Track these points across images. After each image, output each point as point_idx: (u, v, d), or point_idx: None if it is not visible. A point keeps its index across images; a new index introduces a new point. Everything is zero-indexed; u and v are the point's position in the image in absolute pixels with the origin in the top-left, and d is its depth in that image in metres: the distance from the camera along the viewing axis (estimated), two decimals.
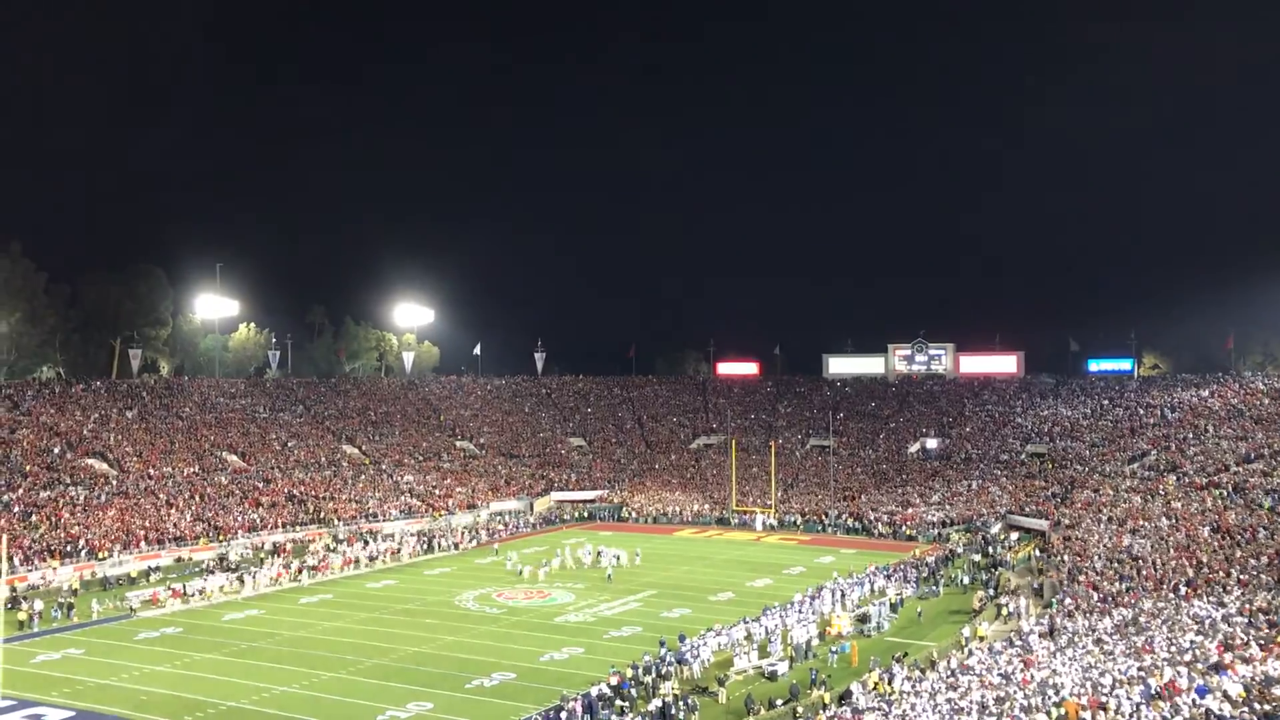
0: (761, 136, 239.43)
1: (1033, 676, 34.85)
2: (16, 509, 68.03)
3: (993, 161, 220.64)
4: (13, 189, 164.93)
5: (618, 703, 38.23)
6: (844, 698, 37.66)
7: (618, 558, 69.00)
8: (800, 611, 51.62)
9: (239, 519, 75.97)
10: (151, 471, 79.70)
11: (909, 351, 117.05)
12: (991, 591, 57.77)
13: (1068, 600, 50.00)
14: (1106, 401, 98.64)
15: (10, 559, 52.89)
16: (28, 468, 73.98)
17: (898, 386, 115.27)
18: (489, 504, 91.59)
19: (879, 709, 34.43)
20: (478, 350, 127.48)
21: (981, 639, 46.65)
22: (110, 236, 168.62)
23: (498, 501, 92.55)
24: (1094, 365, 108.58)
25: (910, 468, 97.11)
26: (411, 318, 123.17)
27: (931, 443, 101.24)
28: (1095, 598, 49.04)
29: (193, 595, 59.23)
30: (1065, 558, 59.94)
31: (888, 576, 60.37)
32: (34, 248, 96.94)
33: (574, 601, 58.53)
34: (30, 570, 61.07)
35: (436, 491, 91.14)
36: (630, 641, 49.24)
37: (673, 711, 37.31)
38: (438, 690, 41.71)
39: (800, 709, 37.23)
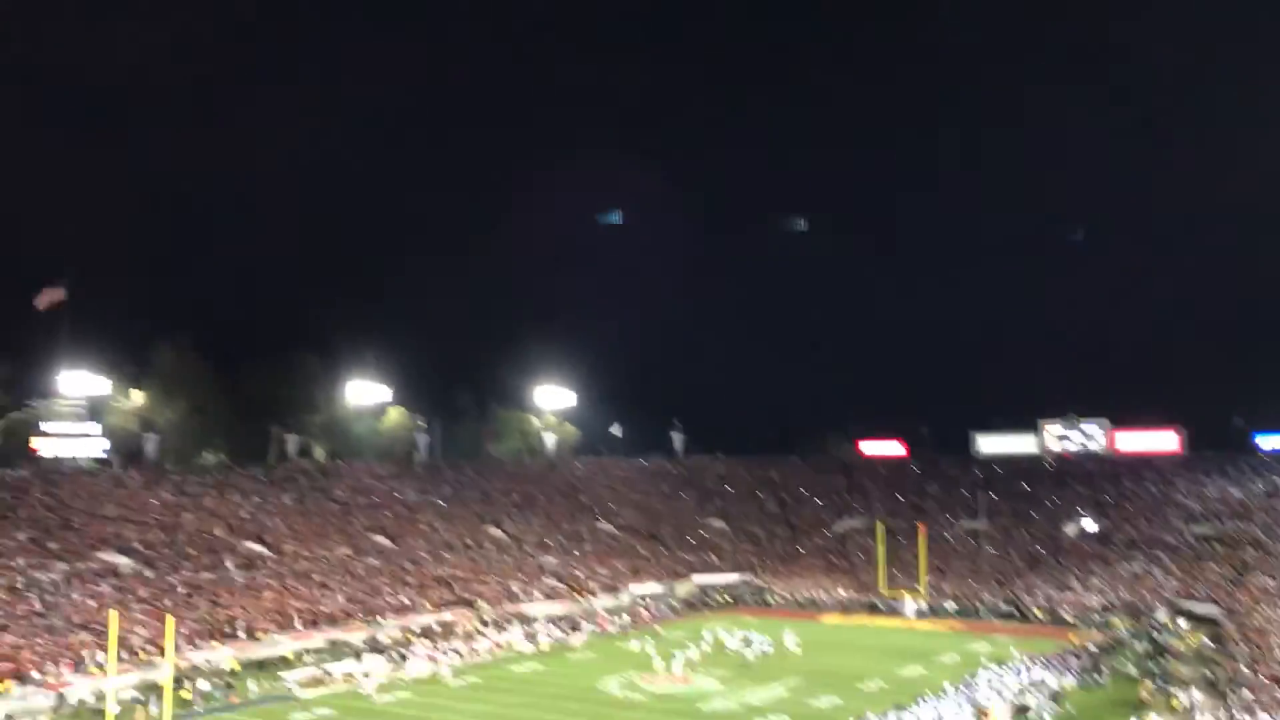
0: (897, 207, 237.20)
1: None
2: (180, 590, 70.83)
3: (1143, 230, 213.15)
4: (183, 284, 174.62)
5: None
6: None
7: (765, 643, 67.77)
8: (956, 702, 49.61)
9: (388, 601, 77.44)
10: (306, 554, 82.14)
11: (1062, 429, 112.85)
12: (1160, 682, 54.50)
13: (1246, 693, 46.84)
14: (1279, 479, 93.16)
15: (174, 640, 54.95)
16: (190, 551, 77.13)
17: (1051, 465, 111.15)
18: (630, 586, 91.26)
19: None
20: (616, 430, 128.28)
21: None
22: (269, 325, 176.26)
23: (639, 584, 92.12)
24: (1263, 441, 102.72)
25: (1068, 550, 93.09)
26: (553, 399, 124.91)
27: (1089, 524, 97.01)
28: (1279, 691, 45.82)
29: (350, 676, 60.44)
30: (1242, 647, 56.28)
31: (1047, 665, 57.64)
32: (200, 340, 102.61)
33: (718, 689, 57.52)
34: (193, 650, 63.23)
35: (579, 574, 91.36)
36: None
37: None
38: None
39: None
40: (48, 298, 79.28)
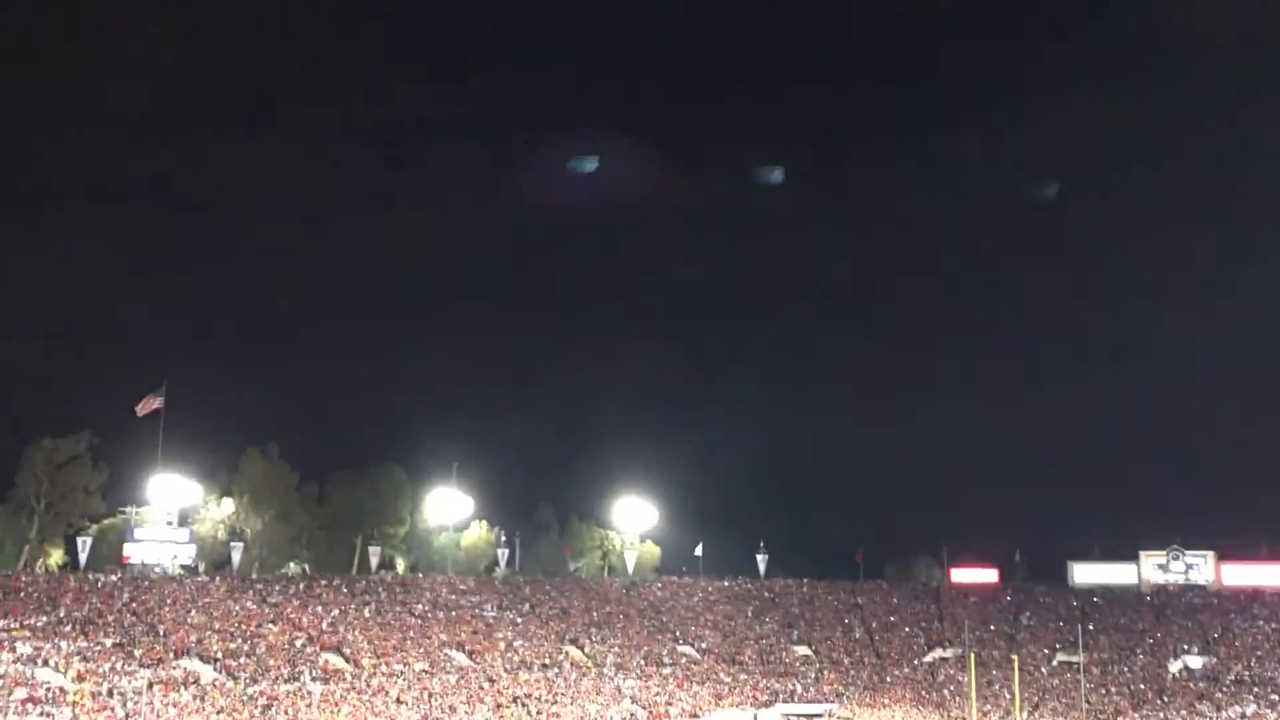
0: (981, 330, 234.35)
1: None
2: (260, 701, 70.63)
3: (1250, 347, 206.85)
4: (272, 393, 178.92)
5: None
6: None
7: None
8: None
9: (465, 719, 76.24)
10: (384, 668, 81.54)
11: (1164, 559, 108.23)
12: None
13: None
14: None
15: None
16: (270, 661, 77.11)
17: (1153, 597, 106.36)
18: (711, 713, 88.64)
19: None
20: (699, 551, 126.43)
21: None
22: (356, 437, 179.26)
23: (720, 711, 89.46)
24: None
25: (1173, 689, 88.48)
26: (634, 516, 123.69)
27: (1195, 661, 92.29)
28: None
29: None
30: None
31: None
32: (288, 449, 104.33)
33: None
34: None
35: (659, 698, 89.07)
36: None
37: None
38: None
39: None
40: (146, 405, 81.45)
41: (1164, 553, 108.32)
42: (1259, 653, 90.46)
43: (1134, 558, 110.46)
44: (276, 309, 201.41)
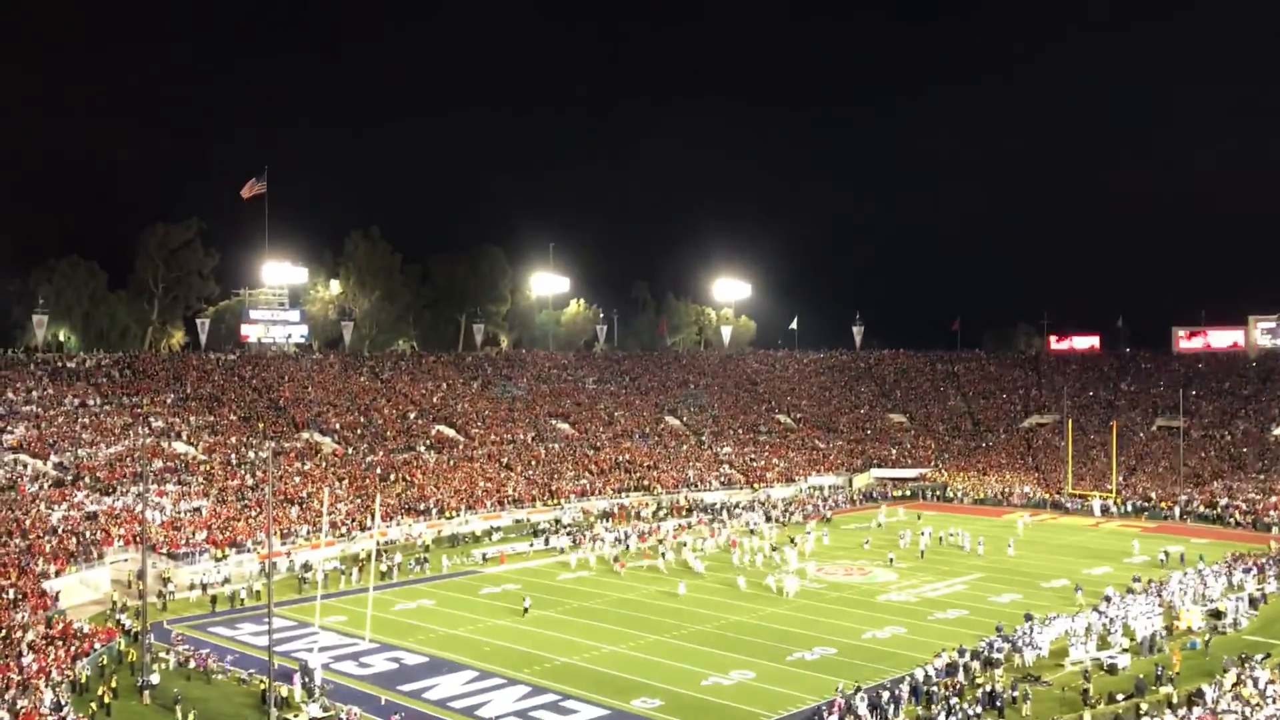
0: (1085, 95, 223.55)
1: None
2: (378, 469, 74.78)
3: None
4: (372, 179, 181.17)
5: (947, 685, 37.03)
6: (1194, 697, 34.66)
7: (951, 536, 67.82)
8: (1144, 603, 47.99)
9: (571, 484, 79.88)
10: (492, 438, 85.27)
11: (1273, 324, 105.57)
12: None
13: None
14: None
15: (374, 515, 58.21)
16: (388, 433, 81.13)
17: (1259, 363, 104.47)
18: (807, 478, 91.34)
19: (1236, 712, 31.42)
20: (794, 325, 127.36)
21: None
22: (456, 219, 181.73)
23: (816, 476, 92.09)
24: None
25: (1274, 453, 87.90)
26: (730, 292, 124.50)
27: None
28: None
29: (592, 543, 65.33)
30: None
31: (1246, 570, 54.99)
32: (390, 231, 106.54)
33: (895, 580, 57.32)
34: (389, 526, 66.88)
35: (755, 464, 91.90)
36: (956, 624, 47.62)
37: (1003, 699, 35.78)
38: (759, 660, 42.07)
39: (1144, 705, 34.60)
40: (250, 189, 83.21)
41: (1274, 318, 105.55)
42: None
43: (1242, 322, 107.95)
44: (374, 93, 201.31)
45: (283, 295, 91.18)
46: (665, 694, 37.95)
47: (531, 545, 66.73)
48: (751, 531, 70.35)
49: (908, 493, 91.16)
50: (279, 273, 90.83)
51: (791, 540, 64.57)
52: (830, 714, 34.13)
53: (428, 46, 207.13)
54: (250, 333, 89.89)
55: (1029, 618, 45.21)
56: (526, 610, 49.26)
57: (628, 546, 65.37)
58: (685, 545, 65.26)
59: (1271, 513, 73.82)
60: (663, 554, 62.08)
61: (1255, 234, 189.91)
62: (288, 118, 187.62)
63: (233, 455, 71.30)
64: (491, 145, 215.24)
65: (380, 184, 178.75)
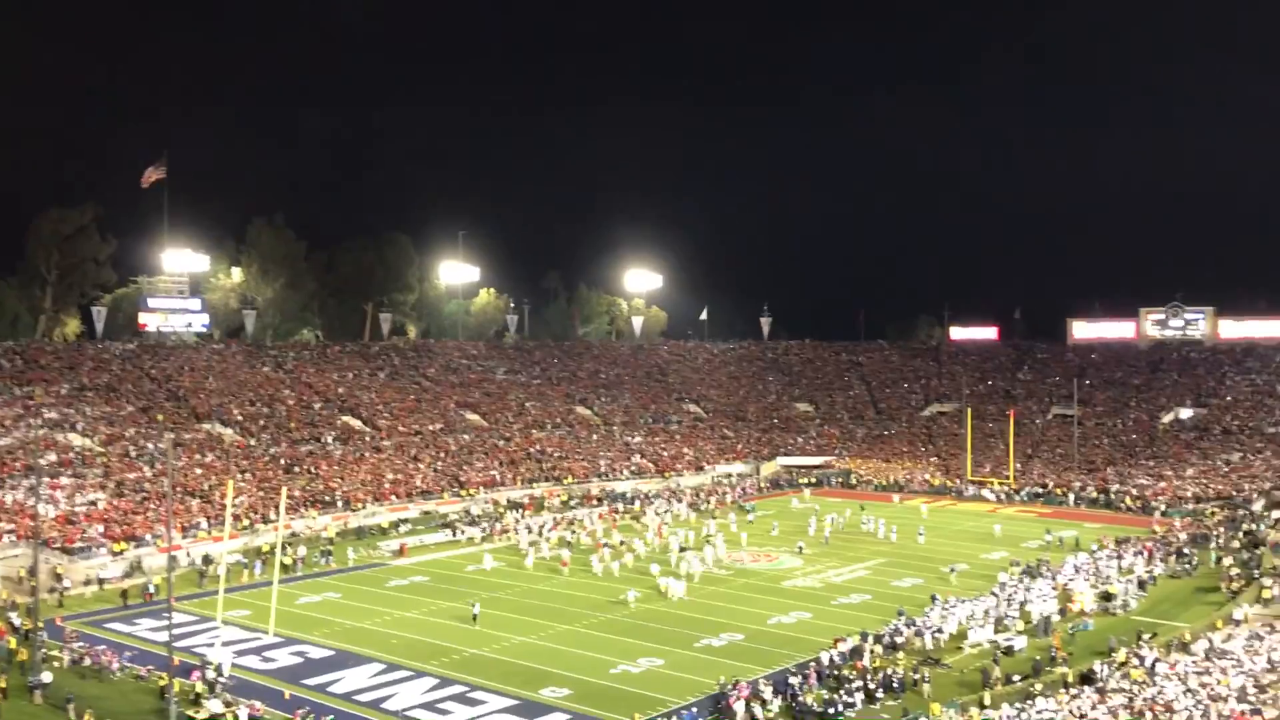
0: (989, 93, 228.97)
1: None
2: (281, 461, 73.52)
3: (1253, 105, 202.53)
4: (275, 165, 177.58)
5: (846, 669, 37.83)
6: (1086, 677, 35.97)
7: (856, 521, 69.10)
8: (1040, 586, 49.59)
9: (480, 475, 79.48)
10: (400, 428, 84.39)
11: (1163, 315, 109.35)
12: (1254, 572, 53.58)
13: None
14: None
15: (277, 508, 57.29)
16: (292, 424, 79.78)
17: (1149, 353, 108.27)
18: (716, 466, 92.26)
19: (1126, 691, 32.69)
20: (704, 315, 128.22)
21: (1239, 622, 43.56)
22: (363, 207, 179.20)
23: (724, 464, 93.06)
24: None
25: (1163, 440, 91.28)
26: (641, 283, 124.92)
27: (1187, 413, 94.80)
28: None
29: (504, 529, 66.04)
30: None
31: (1136, 553, 57.12)
32: (295, 218, 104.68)
33: (801, 566, 58.27)
34: (293, 519, 65.80)
35: (665, 453, 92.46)
36: (860, 609, 48.63)
37: (903, 681, 36.68)
38: (668, 647, 42.48)
39: (1040, 685, 35.78)
40: (150, 175, 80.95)
41: (1163, 309, 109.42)
42: (1248, 404, 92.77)
43: (1134, 314, 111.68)
44: (279, 78, 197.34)
45: (183, 283, 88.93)
46: (574, 683, 38.13)
47: (463, 535, 66.36)
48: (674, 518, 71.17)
49: (814, 480, 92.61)
50: (179, 260, 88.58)
51: (708, 540, 63.28)
52: (737, 699, 34.63)
53: (337, 31, 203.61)
54: (149, 321, 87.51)
55: (935, 599, 46.58)
56: (476, 617, 46.24)
57: (569, 543, 64.27)
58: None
59: (1160, 498, 76.70)
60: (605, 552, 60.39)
61: (1147, 229, 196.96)
62: (189, 103, 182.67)
63: (131, 447, 69.45)
64: (400, 132, 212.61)
65: (285, 171, 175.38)
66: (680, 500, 79.02)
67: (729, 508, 77.46)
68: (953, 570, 55.13)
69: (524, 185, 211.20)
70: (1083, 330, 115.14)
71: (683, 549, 60.09)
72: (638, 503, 78.01)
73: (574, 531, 67.86)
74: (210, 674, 37.24)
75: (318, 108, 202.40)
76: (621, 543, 63.02)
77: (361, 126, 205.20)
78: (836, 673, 37.71)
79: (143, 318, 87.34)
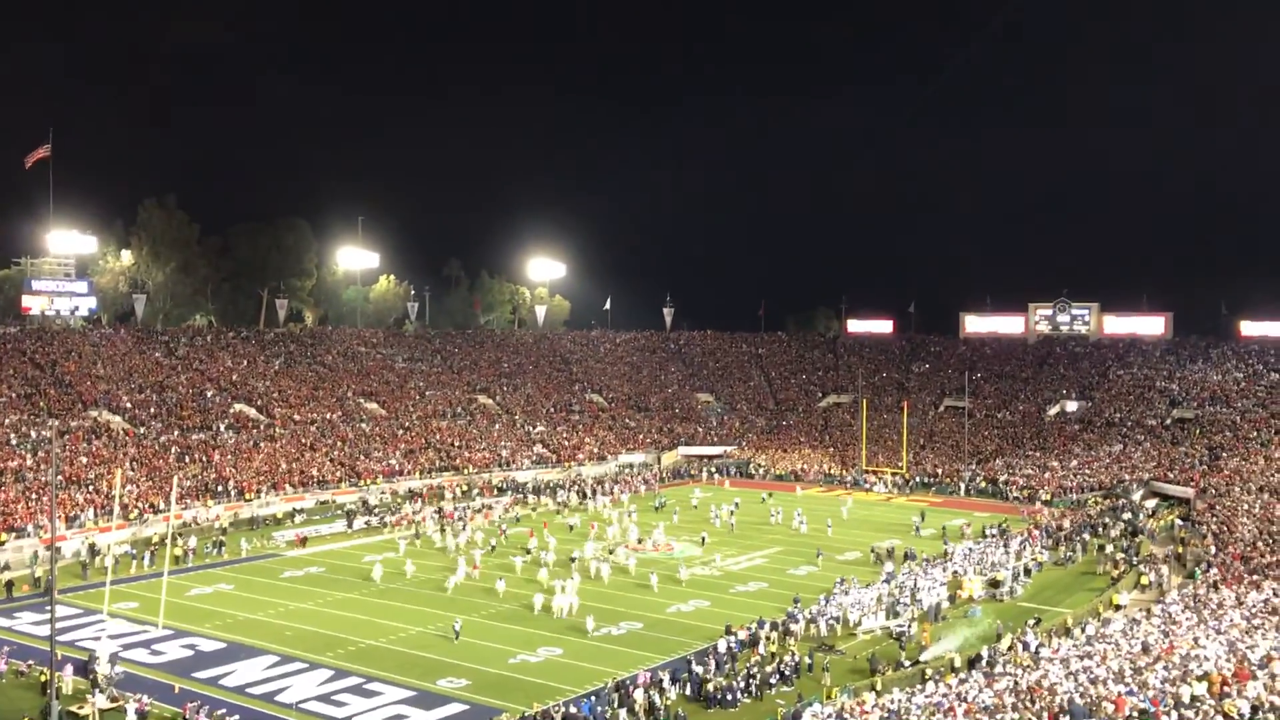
0: (895, 92, 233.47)
1: (1174, 647, 33.74)
2: (172, 450, 71.66)
3: (1141, 110, 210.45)
4: (167, 146, 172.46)
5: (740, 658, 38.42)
6: (974, 661, 37.13)
7: (754, 509, 69.87)
8: (929, 574, 50.95)
9: (378, 465, 78.52)
10: (296, 417, 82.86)
11: (1050, 311, 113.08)
12: (1133, 559, 55.85)
13: (1213, 571, 48.18)
14: (1261, 366, 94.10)
15: (168, 497, 55.86)
16: (184, 411, 77.77)
17: (1037, 347, 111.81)
18: (618, 456, 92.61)
19: (1011, 674, 33.82)
20: (608, 305, 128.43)
21: (1119, 608, 45.37)
22: (259, 189, 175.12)
23: (626, 454, 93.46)
24: (1247, 328, 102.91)
25: (1049, 431, 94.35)
26: (544, 272, 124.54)
27: (1072, 405, 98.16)
28: (1243, 569, 47.10)
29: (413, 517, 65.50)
30: (1212, 527, 57.62)
31: (1022, 541, 59.04)
32: (188, 200, 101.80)
33: (699, 555, 58.89)
34: (184, 509, 64.26)
35: (567, 443, 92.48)
36: (756, 597, 49.38)
37: (798, 668, 37.39)
38: (566, 637, 42.61)
39: (929, 671, 36.82)
40: (34, 154, 78.01)
41: (1051, 305, 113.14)
42: (1130, 397, 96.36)
43: (1023, 309, 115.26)
44: (172, 56, 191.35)
45: (69, 265, 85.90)
46: (472, 673, 38.02)
47: (361, 524, 65.46)
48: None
49: (714, 470, 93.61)
50: (65, 241, 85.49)
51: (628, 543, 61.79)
52: (636, 687, 34.94)
53: (231, 9, 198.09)
54: (32, 304, 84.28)
55: (841, 582, 48.00)
56: (458, 635, 42.42)
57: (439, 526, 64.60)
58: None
59: (1045, 487, 79.34)
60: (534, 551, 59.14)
61: (1037, 228, 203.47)
62: (77, 80, 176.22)
63: (12, 434, 66.99)
64: (299, 114, 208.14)
65: (178, 151, 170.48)
66: (603, 492, 78.89)
67: (646, 498, 77.76)
68: (819, 555, 57.69)
69: (425, 171, 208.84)
70: (975, 324, 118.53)
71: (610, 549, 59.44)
72: (571, 492, 77.94)
73: (505, 526, 66.56)
74: (98, 668, 36.21)
75: (211, 87, 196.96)
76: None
77: (260, 107, 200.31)
78: (734, 660, 38.28)
79: (26, 300, 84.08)
